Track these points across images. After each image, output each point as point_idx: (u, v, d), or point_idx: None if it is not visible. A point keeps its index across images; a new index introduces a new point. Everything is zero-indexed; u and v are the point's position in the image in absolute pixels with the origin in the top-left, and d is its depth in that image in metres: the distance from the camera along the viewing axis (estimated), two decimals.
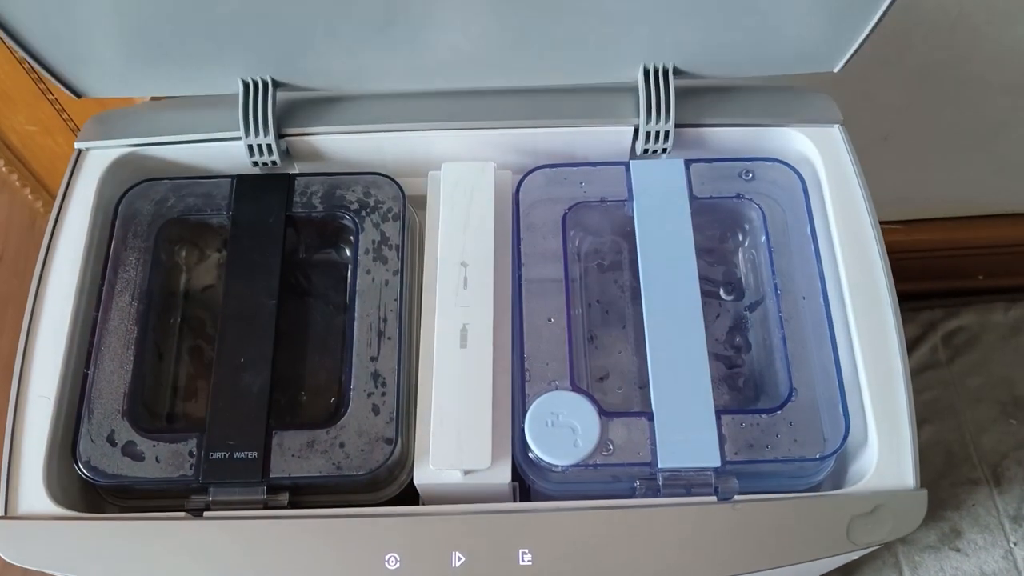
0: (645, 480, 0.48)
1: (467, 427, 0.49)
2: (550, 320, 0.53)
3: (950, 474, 0.95)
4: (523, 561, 0.46)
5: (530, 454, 0.49)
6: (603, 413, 0.49)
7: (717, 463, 0.47)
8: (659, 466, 0.48)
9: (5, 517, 0.48)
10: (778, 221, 0.55)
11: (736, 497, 0.48)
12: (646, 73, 0.56)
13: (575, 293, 0.57)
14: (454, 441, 0.49)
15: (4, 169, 0.76)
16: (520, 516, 0.47)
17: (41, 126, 0.72)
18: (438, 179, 0.57)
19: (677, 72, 0.57)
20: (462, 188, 0.56)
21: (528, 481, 0.50)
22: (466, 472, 0.49)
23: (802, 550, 0.47)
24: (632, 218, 0.55)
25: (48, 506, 0.49)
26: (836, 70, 0.58)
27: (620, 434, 0.49)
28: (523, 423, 0.49)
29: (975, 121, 0.94)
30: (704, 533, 0.47)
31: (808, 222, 0.55)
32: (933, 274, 1.09)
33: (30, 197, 0.82)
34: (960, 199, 1.07)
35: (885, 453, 0.49)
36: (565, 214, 0.56)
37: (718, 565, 0.47)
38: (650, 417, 0.49)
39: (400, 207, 0.56)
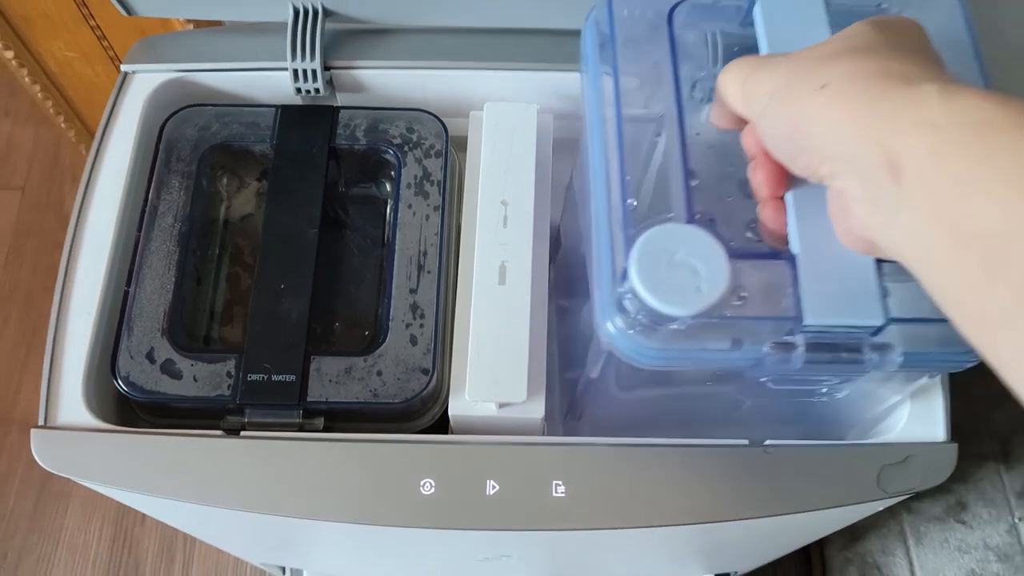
0: (781, 344, 0.37)
1: (504, 361, 0.50)
2: (658, 136, 0.41)
3: (960, 448, 0.96)
4: (556, 492, 0.47)
5: (629, 303, 0.37)
6: (732, 254, 0.36)
7: (880, 320, 0.36)
8: (805, 323, 0.36)
9: (44, 427, 0.49)
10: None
11: (768, 442, 0.48)
12: None
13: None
14: (490, 374, 0.49)
15: (40, 95, 0.76)
16: (554, 448, 0.48)
17: (80, 53, 0.72)
18: (480, 118, 0.57)
19: None
20: (504, 128, 0.56)
21: (618, 352, 0.38)
22: (501, 405, 0.50)
23: (832, 496, 0.47)
24: (752, 23, 0.42)
25: (87, 418, 0.49)
26: None
27: (753, 280, 0.37)
28: (625, 262, 0.36)
29: None
30: (735, 475, 0.48)
31: (971, 45, 0.42)
32: None
33: (63, 125, 0.81)
34: None
35: (917, 406, 0.50)
36: (671, 13, 0.44)
37: (748, 506, 0.47)
38: (792, 263, 0.37)
39: (443, 144, 0.56)
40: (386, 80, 0.59)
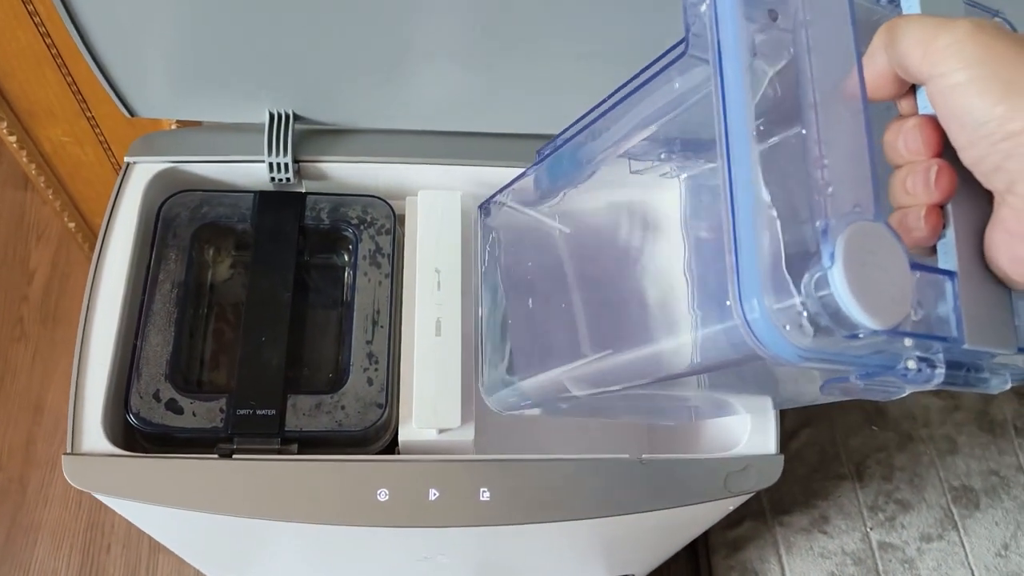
0: (925, 361, 0.35)
1: (442, 397, 0.64)
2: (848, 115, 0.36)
3: (822, 469, 1.13)
4: (483, 497, 0.61)
5: (809, 299, 0.32)
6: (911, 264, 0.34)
7: (1014, 349, 0.36)
8: (965, 345, 0.35)
9: (71, 453, 0.61)
10: None
11: (644, 456, 0.63)
12: None
13: None
14: (432, 407, 0.63)
15: (35, 172, 0.87)
16: (481, 463, 0.62)
17: (75, 138, 0.84)
18: (415, 203, 0.71)
19: None
20: (436, 211, 0.71)
21: (753, 340, 0.33)
22: (440, 431, 0.64)
23: (692, 495, 0.63)
24: None
25: (107, 446, 0.61)
26: None
27: (924, 296, 0.35)
28: (827, 260, 0.32)
29: None
30: (619, 480, 0.62)
31: None
32: None
33: (51, 197, 0.93)
34: None
35: (755, 428, 0.65)
36: None
37: (629, 504, 0.62)
38: (951, 279, 0.35)
39: (391, 224, 0.70)
40: (344, 171, 0.73)
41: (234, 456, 0.61)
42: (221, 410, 0.63)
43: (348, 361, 0.65)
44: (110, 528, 1.15)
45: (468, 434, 0.64)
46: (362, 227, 0.70)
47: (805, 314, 0.32)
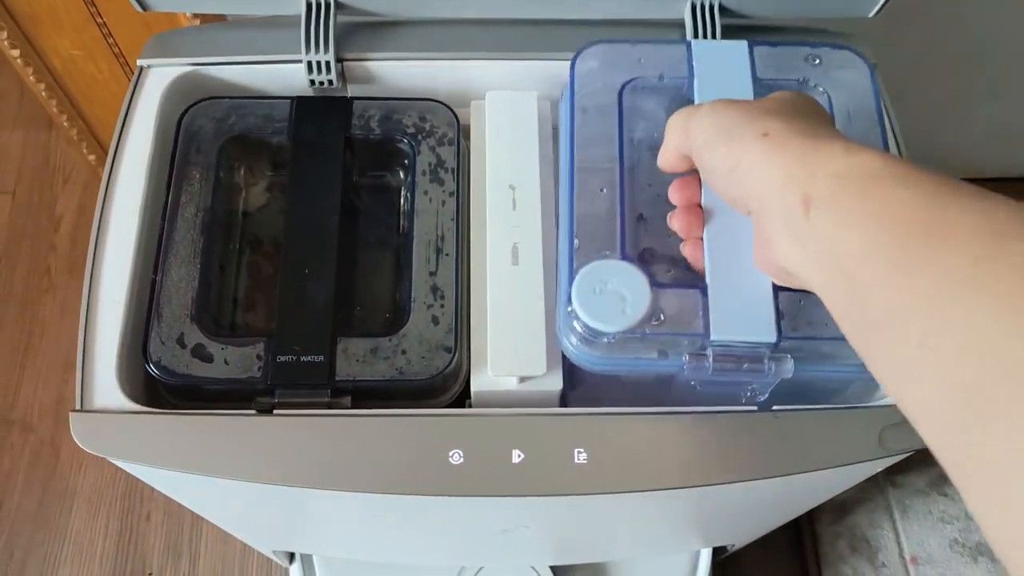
0: (695, 355, 0.47)
1: (523, 337, 0.52)
2: (602, 191, 0.51)
3: None
4: (579, 459, 0.49)
5: (575, 322, 0.47)
6: (654, 284, 0.47)
7: (773, 338, 0.45)
8: (712, 339, 0.46)
9: (81, 410, 0.50)
10: (843, 111, 0.53)
11: (776, 407, 0.51)
12: (693, 9, 0.59)
13: (628, 174, 0.53)
14: (511, 350, 0.52)
15: (44, 93, 0.77)
16: (574, 418, 0.50)
17: (85, 51, 0.73)
18: (483, 107, 0.59)
19: (723, 10, 0.59)
20: (507, 116, 0.59)
21: (570, 358, 0.49)
22: (522, 379, 0.52)
23: (838, 456, 0.50)
24: (691, 100, 0.52)
25: (123, 402, 0.51)
26: (870, 15, 0.61)
27: (671, 304, 0.47)
28: (570, 292, 0.47)
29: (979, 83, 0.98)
30: (745, 439, 0.50)
31: (877, 112, 0.52)
32: None
33: (66, 124, 0.82)
34: (957, 163, 1.11)
35: None
36: (622, 90, 0.54)
37: (759, 467, 0.50)
38: (704, 291, 0.46)
39: (455, 132, 0.58)
40: (397, 71, 0.61)
41: (275, 411, 0.51)
42: (259, 357, 0.52)
43: (408, 297, 0.54)
44: (149, 494, 1.07)
45: (555, 383, 0.52)
46: (420, 137, 0.58)
47: (579, 331, 0.47)
